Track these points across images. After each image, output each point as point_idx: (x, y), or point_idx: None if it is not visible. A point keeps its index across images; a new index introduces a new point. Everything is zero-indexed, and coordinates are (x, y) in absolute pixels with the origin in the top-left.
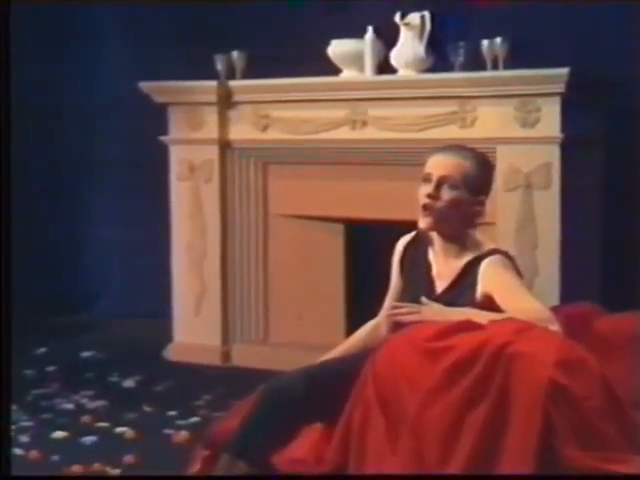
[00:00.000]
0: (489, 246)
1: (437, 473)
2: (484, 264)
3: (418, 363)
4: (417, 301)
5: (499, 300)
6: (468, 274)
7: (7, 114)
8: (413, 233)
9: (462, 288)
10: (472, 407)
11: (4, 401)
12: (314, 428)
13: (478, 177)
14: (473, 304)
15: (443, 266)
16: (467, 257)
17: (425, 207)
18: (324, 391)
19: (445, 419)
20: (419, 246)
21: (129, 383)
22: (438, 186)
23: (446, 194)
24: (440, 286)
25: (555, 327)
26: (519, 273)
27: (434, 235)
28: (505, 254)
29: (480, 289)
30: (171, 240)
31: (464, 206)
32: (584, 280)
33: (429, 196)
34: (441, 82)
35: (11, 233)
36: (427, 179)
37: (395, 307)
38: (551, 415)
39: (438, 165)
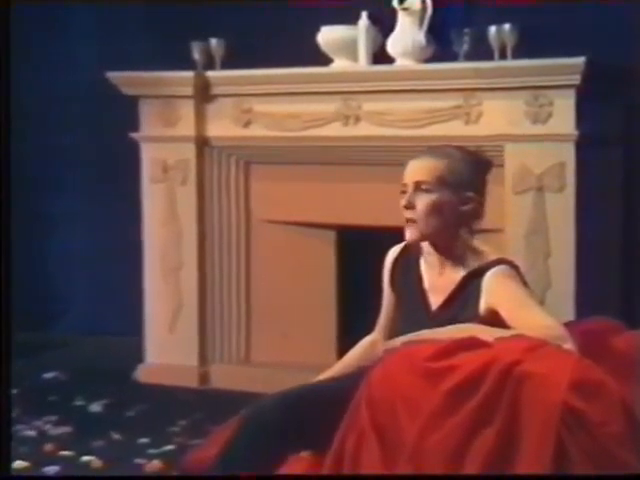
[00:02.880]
0: (492, 256)
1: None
2: (488, 276)
3: (417, 385)
4: (411, 318)
5: (505, 315)
6: (468, 287)
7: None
8: (403, 243)
9: (462, 303)
10: (477, 434)
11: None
12: (302, 456)
13: (458, 174)
14: (475, 320)
15: (437, 279)
16: (466, 268)
17: (407, 219)
18: (313, 416)
19: (447, 447)
20: (410, 257)
21: (96, 407)
22: (413, 194)
23: (421, 200)
24: (435, 301)
25: (569, 345)
26: (526, 285)
27: (426, 245)
28: (510, 264)
29: (484, 303)
30: (143, 249)
31: (446, 208)
32: (602, 292)
33: (405, 207)
34: (443, 73)
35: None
36: (403, 190)
37: (388, 351)
38: (565, 442)
39: (411, 172)
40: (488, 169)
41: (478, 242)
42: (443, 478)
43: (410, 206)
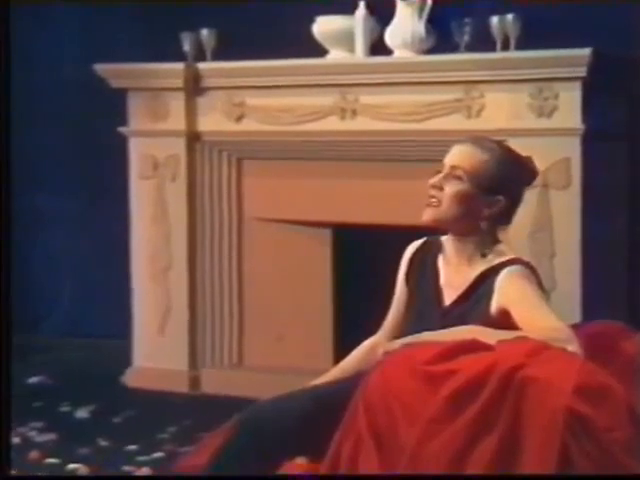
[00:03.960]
0: (510, 255)
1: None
2: (502, 275)
3: (416, 390)
4: (424, 315)
5: (515, 316)
6: (483, 285)
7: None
8: (423, 239)
9: (475, 300)
10: (478, 440)
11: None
12: (297, 463)
13: (495, 174)
14: (487, 319)
15: (454, 275)
16: (483, 266)
17: (429, 198)
18: (309, 421)
19: (447, 454)
20: (428, 253)
21: (82, 413)
22: (445, 177)
23: (450, 186)
24: (449, 297)
25: (574, 348)
26: (542, 287)
27: (445, 241)
28: (527, 265)
29: (495, 303)
30: (131, 248)
31: (471, 203)
32: (608, 294)
33: (433, 186)
34: (444, 65)
35: None
36: (440, 170)
37: (387, 353)
38: (569, 449)
39: (452, 155)
40: (530, 180)
41: (502, 244)
42: (443, 478)
43: (438, 186)
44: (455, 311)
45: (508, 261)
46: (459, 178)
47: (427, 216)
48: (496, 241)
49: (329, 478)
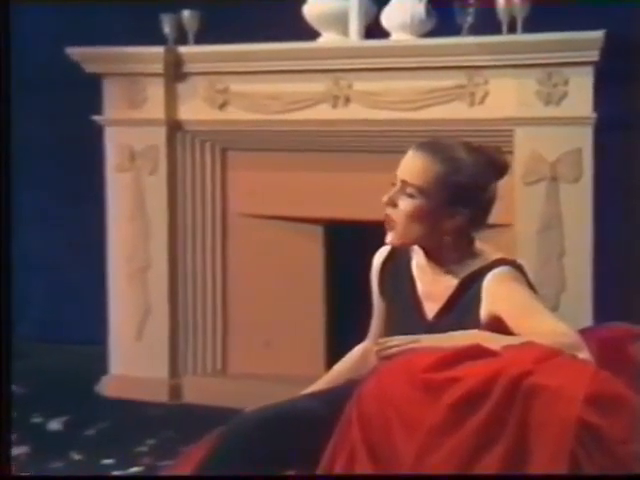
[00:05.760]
0: (492, 256)
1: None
2: (488, 279)
3: (415, 399)
4: (406, 328)
5: (509, 322)
6: (467, 293)
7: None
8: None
9: (461, 310)
10: (483, 453)
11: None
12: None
13: (454, 185)
14: (478, 328)
15: (432, 285)
16: (464, 272)
17: (386, 217)
18: (299, 432)
19: (449, 468)
20: (400, 261)
21: (55, 425)
22: (398, 192)
23: (403, 203)
24: (431, 309)
25: (584, 355)
26: (532, 286)
27: (416, 248)
28: (512, 264)
29: (485, 310)
30: (106, 247)
31: (430, 219)
32: (621, 295)
33: (386, 203)
34: (445, 49)
35: None
36: (394, 182)
37: (382, 343)
38: (580, 462)
39: (404, 167)
40: (502, 174)
41: (478, 243)
42: (442, 478)
43: (391, 204)
44: (441, 324)
45: (491, 263)
46: (413, 195)
47: (389, 237)
48: (471, 242)
49: (327, 478)
